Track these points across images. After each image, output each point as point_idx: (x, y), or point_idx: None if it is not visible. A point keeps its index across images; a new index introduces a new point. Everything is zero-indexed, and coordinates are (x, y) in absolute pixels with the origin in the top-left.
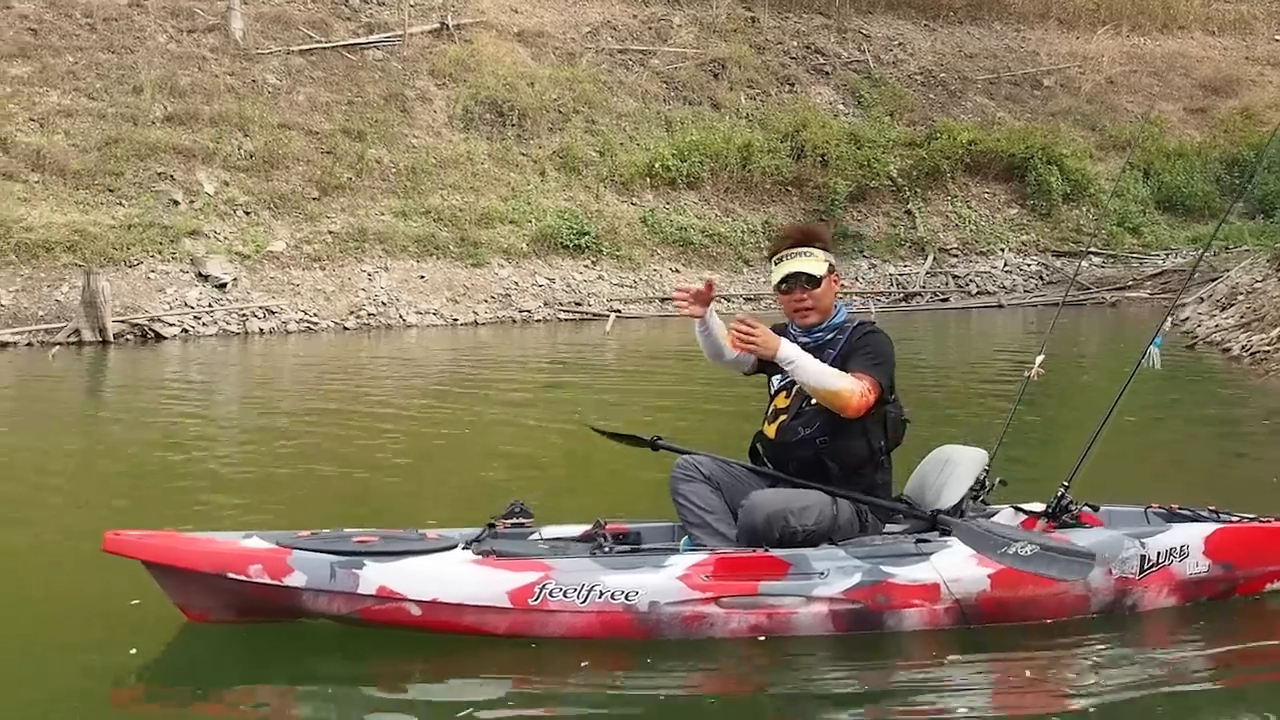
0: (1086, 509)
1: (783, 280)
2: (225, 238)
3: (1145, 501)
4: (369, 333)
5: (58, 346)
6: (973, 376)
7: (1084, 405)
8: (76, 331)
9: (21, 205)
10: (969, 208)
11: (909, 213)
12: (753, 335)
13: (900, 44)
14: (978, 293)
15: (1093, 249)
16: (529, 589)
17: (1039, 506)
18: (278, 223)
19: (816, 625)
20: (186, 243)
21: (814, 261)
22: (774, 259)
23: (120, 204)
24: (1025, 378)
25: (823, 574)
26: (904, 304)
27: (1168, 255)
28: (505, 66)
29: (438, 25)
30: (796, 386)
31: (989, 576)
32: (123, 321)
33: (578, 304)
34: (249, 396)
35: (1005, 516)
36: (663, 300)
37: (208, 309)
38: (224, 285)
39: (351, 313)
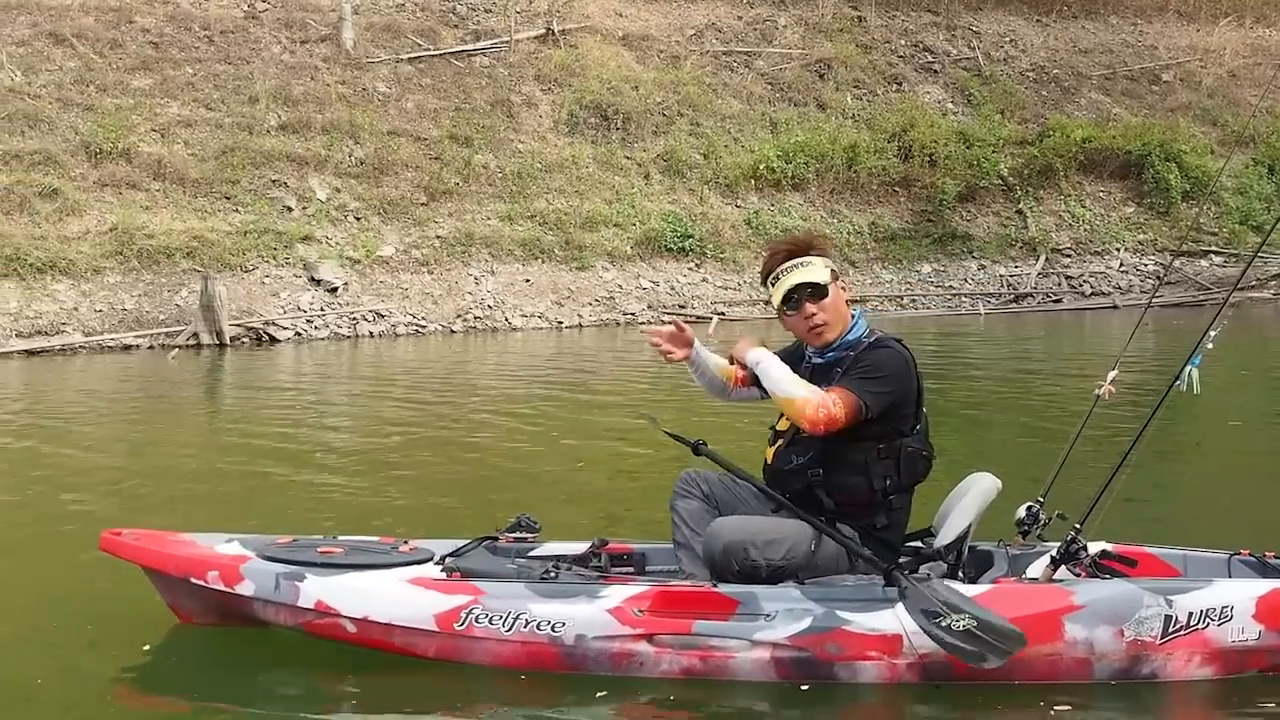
0: (1129, 550)
1: (786, 298)
2: (337, 243)
3: (1234, 547)
4: (475, 335)
5: (177, 349)
6: (1081, 382)
7: (1185, 421)
8: (195, 335)
9: (144, 213)
10: (1083, 206)
11: (1020, 212)
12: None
13: (1011, 40)
14: (1092, 294)
15: (1213, 248)
16: (455, 613)
17: (1097, 546)
18: (387, 228)
19: (756, 672)
20: (299, 248)
21: (814, 269)
22: (769, 279)
23: (236, 211)
24: (1095, 396)
25: (769, 616)
26: (1014, 305)
27: None
28: (610, 70)
29: (543, 31)
30: None
31: None
32: (238, 325)
33: (681, 306)
34: (355, 399)
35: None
36: (766, 303)
37: (320, 312)
38: (335, 289)
39: (459, 316)
